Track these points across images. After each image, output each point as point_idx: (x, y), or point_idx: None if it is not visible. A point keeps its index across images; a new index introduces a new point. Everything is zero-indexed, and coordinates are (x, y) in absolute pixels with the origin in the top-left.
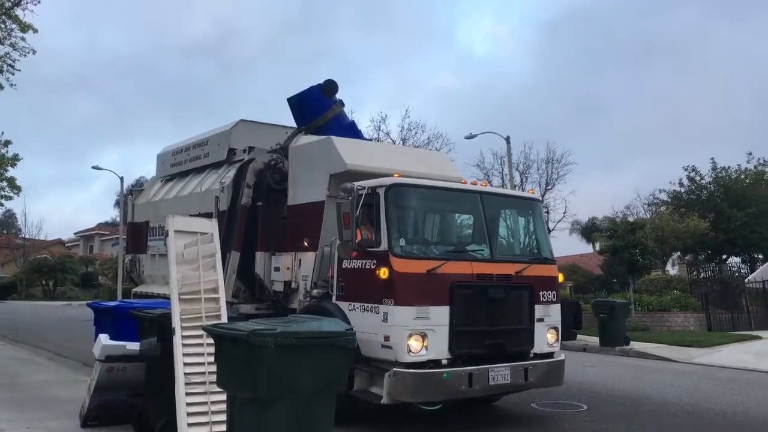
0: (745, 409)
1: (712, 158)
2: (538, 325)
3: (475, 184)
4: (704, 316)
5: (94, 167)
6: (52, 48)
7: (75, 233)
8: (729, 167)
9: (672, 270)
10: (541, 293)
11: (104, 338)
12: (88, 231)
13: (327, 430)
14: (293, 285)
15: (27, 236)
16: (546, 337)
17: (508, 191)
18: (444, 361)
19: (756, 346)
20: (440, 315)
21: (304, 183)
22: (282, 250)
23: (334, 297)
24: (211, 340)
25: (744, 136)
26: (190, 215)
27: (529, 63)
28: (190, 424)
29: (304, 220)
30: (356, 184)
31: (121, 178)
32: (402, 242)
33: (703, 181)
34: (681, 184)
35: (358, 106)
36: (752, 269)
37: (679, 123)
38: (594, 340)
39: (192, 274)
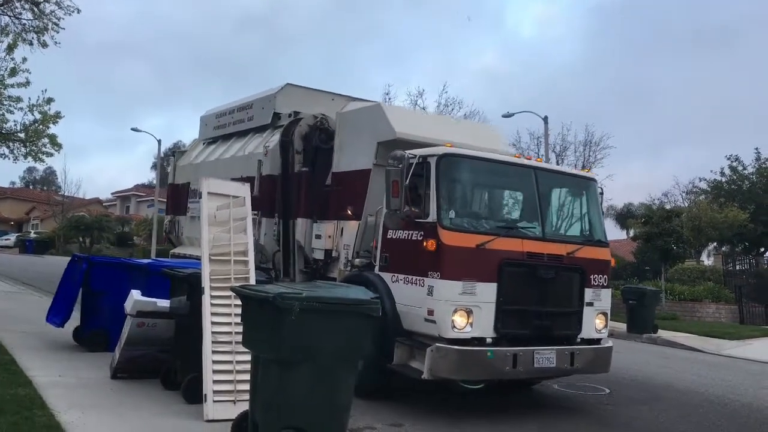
0: None
1: (756, 148)
2: (586, 309)
3: (530, 159)
4: (737, 309)
5: (133, 129)
6: (107, 13)
7: (112, 193)
8: None
9: (707, 260)
10: (592, 276)
11: (136, 294)
12: (125, 192)
13: (347, 393)
14: (334, 254)
15: (66, 194)
16: (594, 322)
17: (564, 168)
18: (488, 340)
19: None
20: (487, 292)
21: (351, 150)
22: (324, 218)
23: (377, 267)
24: (239, 301)
25: None
26: (232, 179)
27: (576, 46)
28: (215, 381)
29: (348, 188)
30: (407, 152)
31: (159, 141)
32: (452, 214)
33: (746, 172)
34: (722, 174)
35: (402, 83)
36: None
37: (724, 113)
38: (621, 327)
39: (223, 236)
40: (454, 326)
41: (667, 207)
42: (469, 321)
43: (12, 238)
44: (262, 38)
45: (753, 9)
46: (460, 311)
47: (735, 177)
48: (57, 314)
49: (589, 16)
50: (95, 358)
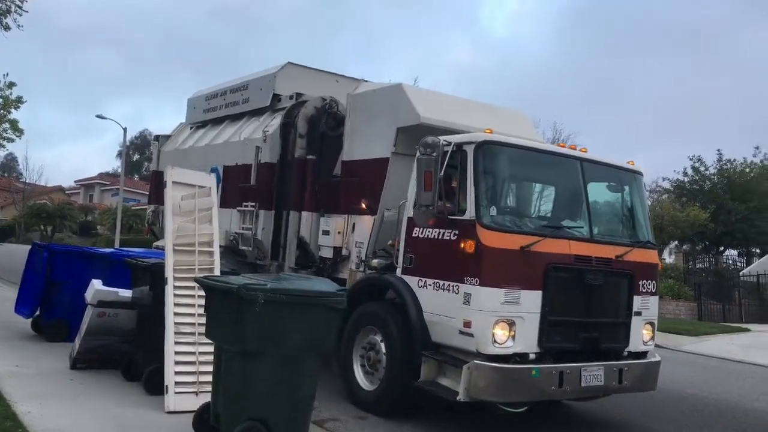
0: (727, 397)
1: (719, 149)
2: (634, 319)
3: (574, 148)
4: (696, 306)
5: (98, 116)
6: None
7: (75, 181)
8: (735, 160)
9: (668, 258)
10: (640, 282)
11: (97, 283)
12: (89, 180)
13: (311, 385)
14: (344, 252)
15: (27, 181)
16: (641, 334)
17: (610, 160)
18: (532, 356)
19: (744, 338)
20: (531, 301)
21: (365, 136)
22: (333, 212)
23: (399, 269)
24: (203, 292)
25: (756, 132)
26: (225, 166)
27: (548, 45)
28: (177, 372)
29: (361, 179)
30: (441, 139)
31: (125, 129)
32: (492, 211)
33: (708, 172)
34: (685, 174)
35: (375, 76)
36: (748, 263)
37: (691, 114)
38: None
39: (188, 226)
40: (495, 340)
41: None
42: (511, 334)
43: None
44: (235, 28)
45: (724, 11)
46: (501, 323)
47: (697, 177)
48: (24, 305)
49: (562, 17)
50: (55, 348)
